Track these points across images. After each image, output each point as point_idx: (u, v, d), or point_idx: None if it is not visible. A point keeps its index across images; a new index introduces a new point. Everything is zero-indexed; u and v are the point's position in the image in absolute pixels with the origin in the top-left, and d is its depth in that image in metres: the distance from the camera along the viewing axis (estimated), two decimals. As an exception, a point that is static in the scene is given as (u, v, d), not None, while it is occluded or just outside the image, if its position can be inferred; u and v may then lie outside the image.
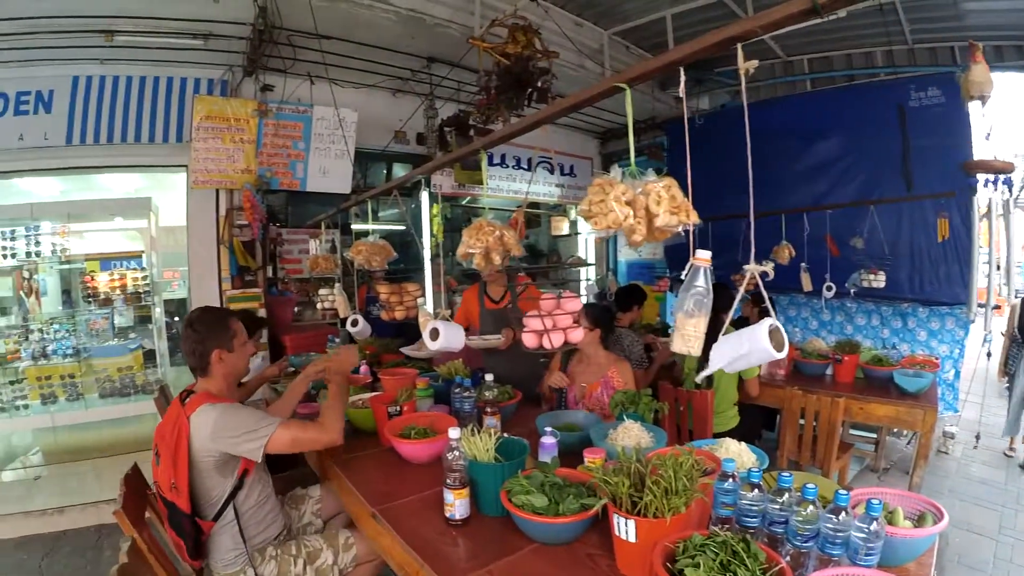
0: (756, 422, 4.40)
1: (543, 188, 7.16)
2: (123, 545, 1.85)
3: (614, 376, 3.27)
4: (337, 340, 4.67)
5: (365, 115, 5.65)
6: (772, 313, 1.53)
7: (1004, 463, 5.45)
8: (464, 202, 7.42)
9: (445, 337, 2.65)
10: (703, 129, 6.24)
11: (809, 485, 1.54)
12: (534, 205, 7.72)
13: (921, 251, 5.39)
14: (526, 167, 6.83)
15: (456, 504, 1.94)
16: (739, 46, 1.42)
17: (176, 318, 6.33)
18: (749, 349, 1.51)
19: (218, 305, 5.05)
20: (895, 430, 5.63)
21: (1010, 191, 5.35)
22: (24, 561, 3.72)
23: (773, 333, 1.50)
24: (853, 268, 4.90)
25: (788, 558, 1.51)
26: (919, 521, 1.75)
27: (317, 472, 2.93)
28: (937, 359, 4.26)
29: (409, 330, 5.06)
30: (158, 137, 5.00)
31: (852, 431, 5.19)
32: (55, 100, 4.66)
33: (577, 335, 2.35)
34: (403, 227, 6.79)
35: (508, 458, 2.10)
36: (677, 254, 7.29)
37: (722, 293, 4.06)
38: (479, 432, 2.15)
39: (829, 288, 4.69)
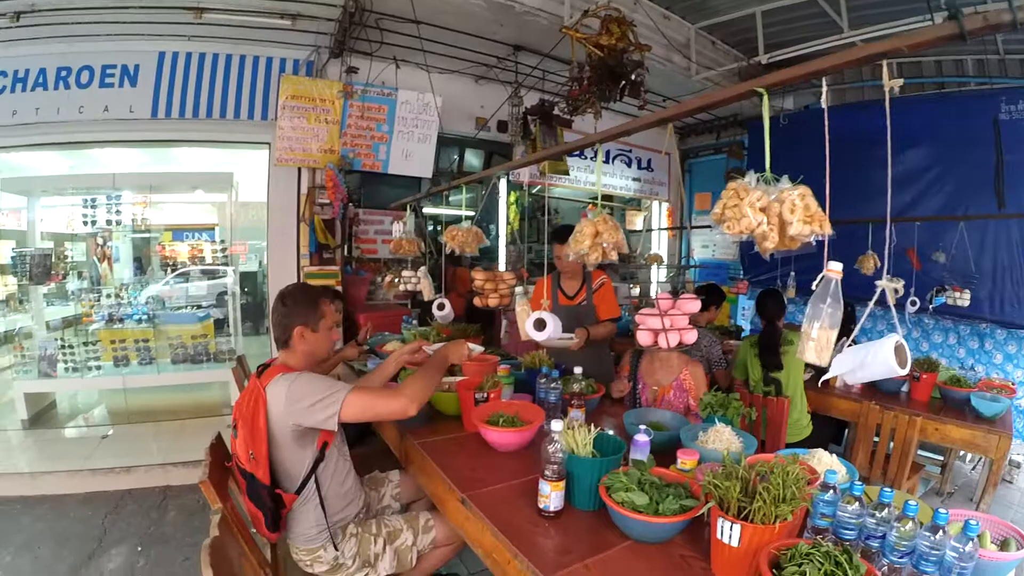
0: (826, 434, 4.34)
1: (619, 181, 7.12)
2: (212, 518, 1.83)
3: (687, 379, 3.21)
4: (414, 322, 4.75)
5: (446, 100, 5.72)
6: (898, 330, 1.52)
7: None
8: (535, 191, 7.43)
9: (553, 327, 2.67)
10: (787, 130, 6.05)
11: (911, 502, 1.54)
12: (607, 198, 7.63)
13: (1004, 271, 5.22)
14: (605, 159, 6.78)
15: (552, 496, 1.96)
16: (884, 63, 1.47)
17: (245, 289, 6.50)
18: (872, 361, 1.51)
19: (300, 281, 5.17)
20: (961, 454, 5.49)
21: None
22: (89, 517, 3.81)
23: (898, 350, 1.50)
24: (933, 283, 4.77)
25: (882, 572, 1.52)
26: (1003, 546, 1.74)
27: (397, 454, 2.96)
28: (1014, 384, 4.12)
29: (479, 316, 5.13)
30: (243, 114, 5.14)
31: (920, 452, 5.06)
32: (141, 74, 4.83)
33: (691, 336, 2.35)
34: (473, 213, 6.86)
35: (602, 453, 2.11)
36: (755, 258, 7.16)
37: (774, 299, 4.04)
38: (576, 426, 2.17)
39: (913, 303, 4.55)
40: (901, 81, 1.42)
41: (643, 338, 2.35)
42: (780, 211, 1.50)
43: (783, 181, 1.57)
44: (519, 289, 3.23)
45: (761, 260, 5.47)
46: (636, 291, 7.62)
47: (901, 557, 1.54)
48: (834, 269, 1.50)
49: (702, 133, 7.61)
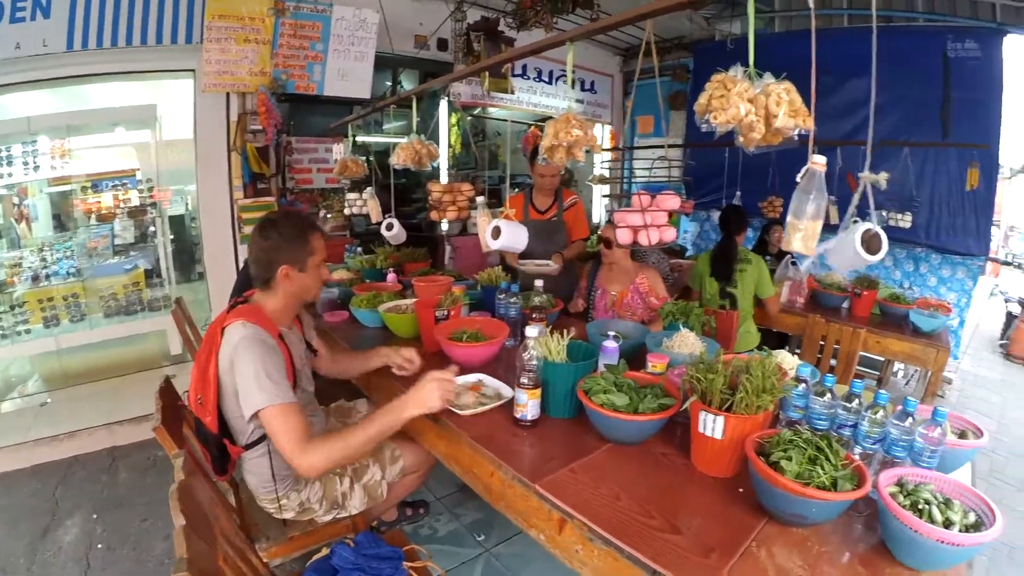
0: (771, 347, 4.50)
1: (562, 103, 6.90)
2: (175, 461, 1.67)
3: (643, 282, 3.34)
4: (358, 250, 4.62)
5: (384, 17, 5.40)
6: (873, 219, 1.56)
7: (996, 412, 5.69)
8: (475, 112, 7.27)
9: (507, 235, 2.62)
10: (733, 55, 6.02)
11: (881, 392, 1.62)
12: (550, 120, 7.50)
13: (942, 199, 5.40)
14: (547, 80, 6.64)
15: (528, 405, 1.95)
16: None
17: (174, 235, 6.12)
18: (843, 247, 1.56)
19: (284, 208, 4.91)
20: (895, 370, 5.80)
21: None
22: (39, 490, 3.62)
23: (871, 239, 1.54)
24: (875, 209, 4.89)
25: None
26: (961, 436, 1.86)
27: (361, 388, 2.87)
28: (950, 304, 4.33)
29: (423, 241, 5.03)
30: (166, 38, 4.71)
31: (856, 368, 5.32)
32: (54, 4, 4.34)
33: (670, 234, 2.32)
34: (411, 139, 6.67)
35: (576, 360, 2.11)
36: (698, 179, 7.22)
37: (738, 215, 4.15)
38: (547, 334, 2.14)
39: (856, 221, 4.67)
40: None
41: (622, 236, 2.31)
42: (766, 103, 1.49)
43: (766, 77, 1.55)
44: (480, 199, 3.14)
45: (705, 181, 5.52)
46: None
47: (873, 443, 1.61)
48: (818, 162, 1.52)
49: (646, 54, 7.27)
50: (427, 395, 1.90)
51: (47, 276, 4.91)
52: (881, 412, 1.60)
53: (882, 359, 4.84)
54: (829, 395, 1.68)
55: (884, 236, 1.60)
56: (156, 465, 3.82)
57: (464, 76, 2.85)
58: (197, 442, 2.02)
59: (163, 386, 2.17)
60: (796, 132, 1.50)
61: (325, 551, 1.87)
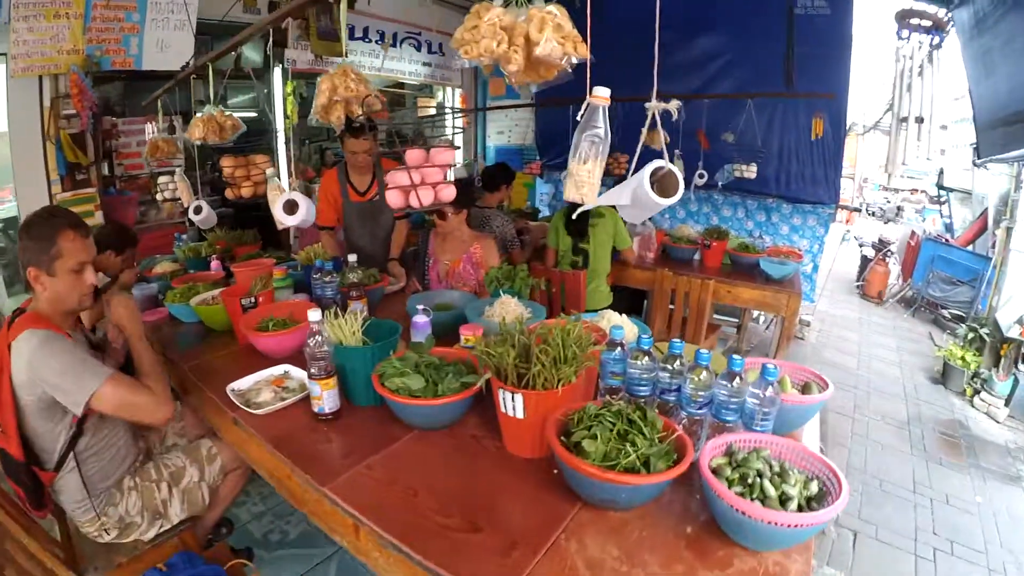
0: (626, 305, 4.49)
1: (409, 67, 6.53)
2: None
3: (476, 251, 3.16)
4: (184, 237, 4.17)
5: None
6: (664, 157, 1.39)
7: (855, 350, 6.00)
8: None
9: (307, 210, 2.32)
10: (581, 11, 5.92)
11: (703, 351, 1.46)
12: (398, 86, 7.17)
13: (791, 151, 5.51)
14: (392, 43, 6.21)
15: (324, 396, 1.73)
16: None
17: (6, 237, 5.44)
18: (635, 192, 1.39)
19: (50, 205, 4.34)
20: (756, 316, 5.98)
21: (931, 47, 5.48)
22: None
23: (663, 177, 1.38)
24: (723, 162, 4.94)
25: (682, 426, 1.45)
26: (804, 389, 1.75)
27: (175, 387, 2.53)
28: (801, 251, 4.45)
29: (264, 221, 4.63)
30: None
31: (716, 316, 5.42)
32: None
33: (449, 192, 2.07)
34: (255, 113, 6.16)
35: (378, 341, 1.89)
36: (548, 140, 7.14)
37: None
38: (343, 315, 1.91)
39: (701, 176, 4.71)
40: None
41: (392, 198, 2.02)
42: (528, 31, 1.28)
43: (537, 1, 1.33)
44: (270, 171, 2.82)
45: (554, 143, 5.41)
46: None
47: (700, 408, 1.49)
48: (600, 95, 1.31)
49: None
50: (125, 320, 2.02)
51: None
52: (704, 373, 1.46)
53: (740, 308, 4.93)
54: (647, 358, 1.54)
55: (679, 174, 1.43)
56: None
57: (258, 32, 2.48)
58: (8, 478, 1.86)
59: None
60: (567, 61, 1.30)
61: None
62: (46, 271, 1.81)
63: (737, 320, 5.64)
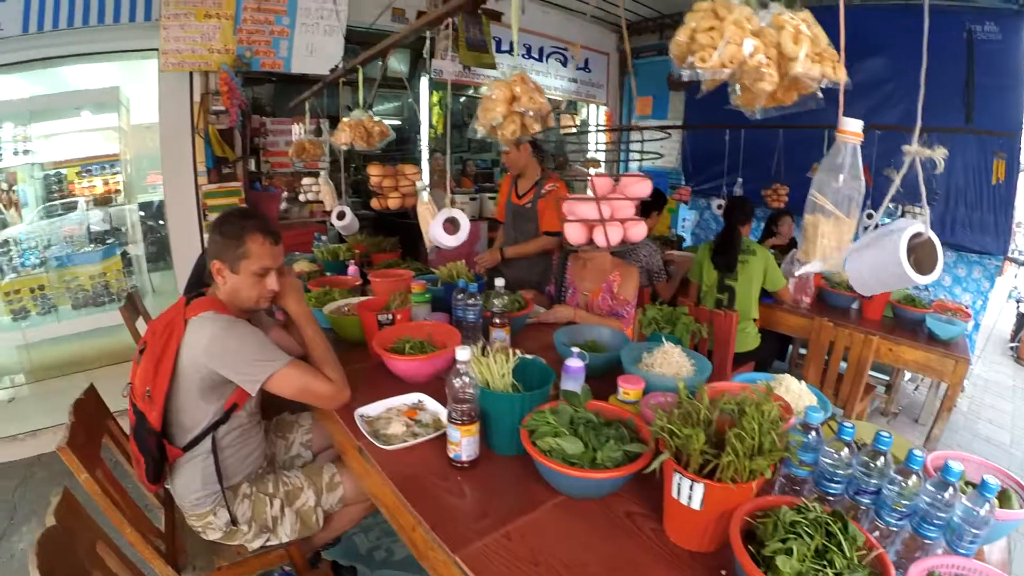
0: (773, 349, 4.13)
1: (555, 82, 6.43)
2: (52, 500, 1.42)
3: (615, 280, 2.91)
4: (324, 238, 4.21)
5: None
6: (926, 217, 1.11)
7: (1008, 423, 5.25)
8: (469, 92, 6.84)
9: (467, 230, 2.16)
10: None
11: (916, 453, 1.19)
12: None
13: (960, 193, 4.95)
14: (537, 57, 6.14)
15: (463, 444, 1.55)
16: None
17: (161, 221, 5.78)
18: (879, 263, 1.10)
19: (239, 206, 4.56)
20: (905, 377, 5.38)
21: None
22: None
23: (919, 247, 1.09)
24: (884, 200, 4.48)
25: (874, 538, 1.15)
26: (1001, 497, 1.44)
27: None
28: (967, 307, 3.97)
29: (395, 228, 4.61)
30: (123, 16, 4.34)
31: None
32: None
33: (639, 231, 1.84)
34: (399, 121, 6.22)
35: (527, 384, 1.70)
36: (697, 164, 6.76)
37: (743, 205, 3.79)
38: (492, 352, 1.72)
39: (869, 216, 4.25)
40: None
41: (573, 233, 1.80)
42: (779, 40, 1.01)
43: (772, 5, 1.07)
44: (420, 184, 2.67)
45: (704, 167, 5.13)
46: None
47: (900, 519, 1.20)
48: (851, 130, 1.04)
49: (644, 32, 6.98)
50: (296, 303, 2.08)
51: (15, 269, 4.67)
52: (914, 478, 1.17)
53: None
54: (846, 450, 1.27)
55: (939, 245, 1.12)
56: (118, 467, 3.47)
57: (407, 38, 2.37)
58: (133, 442, 1.86)
59: (82, 397, 1.98)
60: (820, 86, 1.04)
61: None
62: (230, 267, 1.88)
63: (887, 379, 5.07)
